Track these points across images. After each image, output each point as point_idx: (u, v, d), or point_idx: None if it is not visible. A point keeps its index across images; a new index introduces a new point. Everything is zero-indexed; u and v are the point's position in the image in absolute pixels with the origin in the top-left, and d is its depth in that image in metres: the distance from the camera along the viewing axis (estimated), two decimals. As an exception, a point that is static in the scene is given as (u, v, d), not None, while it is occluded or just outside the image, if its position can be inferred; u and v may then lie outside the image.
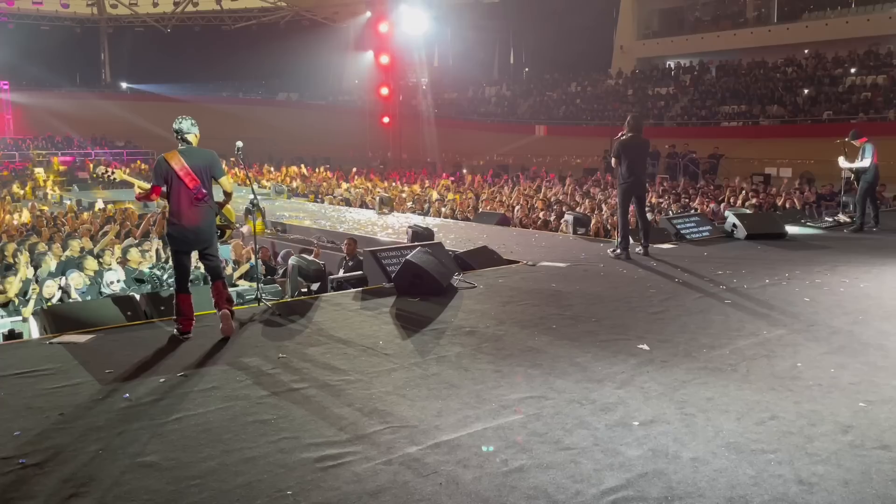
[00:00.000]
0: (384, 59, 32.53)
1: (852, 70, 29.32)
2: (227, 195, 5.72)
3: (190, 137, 5.43)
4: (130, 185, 5.88)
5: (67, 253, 9.49)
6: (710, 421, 3.85)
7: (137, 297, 6.47)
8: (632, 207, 8.67)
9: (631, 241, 8.81)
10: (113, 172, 5.80)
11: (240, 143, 6.09)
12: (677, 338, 5.37)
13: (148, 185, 5.60)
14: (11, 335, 5.86)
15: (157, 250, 9.80)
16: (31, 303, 7.61)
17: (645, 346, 5.14)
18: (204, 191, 5.38)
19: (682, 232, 10.19)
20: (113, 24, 43.50)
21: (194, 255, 5.94)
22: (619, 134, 8.47)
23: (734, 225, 10.17)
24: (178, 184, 5.32)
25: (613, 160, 8.51)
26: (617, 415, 3.94)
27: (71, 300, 7.86)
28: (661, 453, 3.47)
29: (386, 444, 3.61)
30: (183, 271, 5.53)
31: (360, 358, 5.04)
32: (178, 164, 5.30)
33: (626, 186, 8.36)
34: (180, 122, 5.45)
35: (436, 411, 4.03)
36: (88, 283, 8.33)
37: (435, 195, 17.30)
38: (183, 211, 5.37)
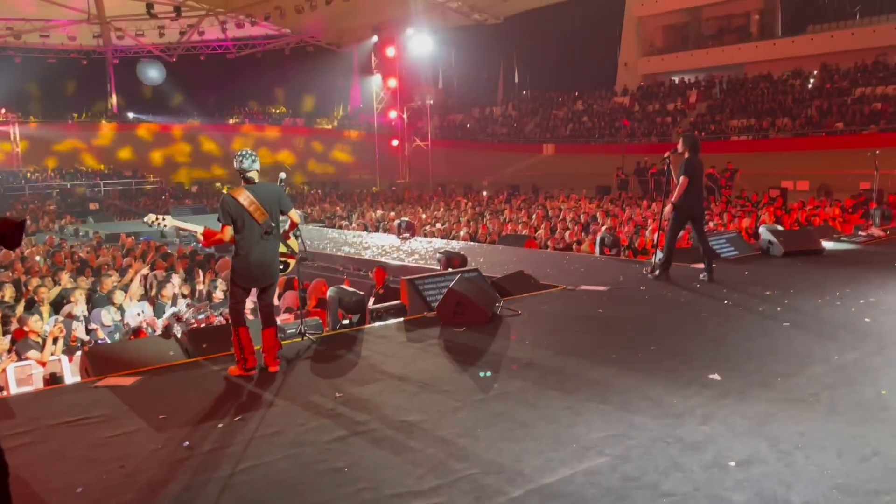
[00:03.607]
0: (392, 83, 32.56)
1: (860, 81, 29.29)
2: (294, 225, 5.68)
3: (252, 174, 5.31)
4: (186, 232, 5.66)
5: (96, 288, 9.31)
6: (810, 459, 3.64)
7: (178, 334, 6.29)
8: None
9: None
10: (164, 219, 5.63)
11: (283, 175, 5.97)
12: (746, 366, 5.17)
13: (200, 228, 5.48)
14: (53, 379, 5.67)
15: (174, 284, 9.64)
16: (60, 342, 7.43)
17: (716, 377, 4.93)
18: (273, 224, 5.33)
19: (717, 251, 9.99)
20: (119, 55, 43.71)
21: None
22: (669, 153, 8.26)
23: (770, 242, 9.98)
24: (249, 219, 5.25)
25: (684, 179, 7.94)
26: (709, 454, 3.73)
27: (100, 340, 7.70)
28: (769, 498, 3.26)
29: (473, 493, 3.41)
30: (241, 307, 5.39)
31: (419, 395, 4.85)
32: (247, 199, 5.21)
33: (686, 208, 8.05)
34: (242, 160, 5.32)
35: (515, 455, 3.83)
36: (118, 319, 8.18)
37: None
38: (253, 246, 5.29)
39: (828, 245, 10.41)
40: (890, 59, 29.78)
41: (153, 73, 38.41)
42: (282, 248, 5.63)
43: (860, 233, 11.53)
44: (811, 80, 31.37)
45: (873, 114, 26.81)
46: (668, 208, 8.21)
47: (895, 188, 16.65)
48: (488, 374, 5.23)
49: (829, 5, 33.91)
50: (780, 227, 11.35)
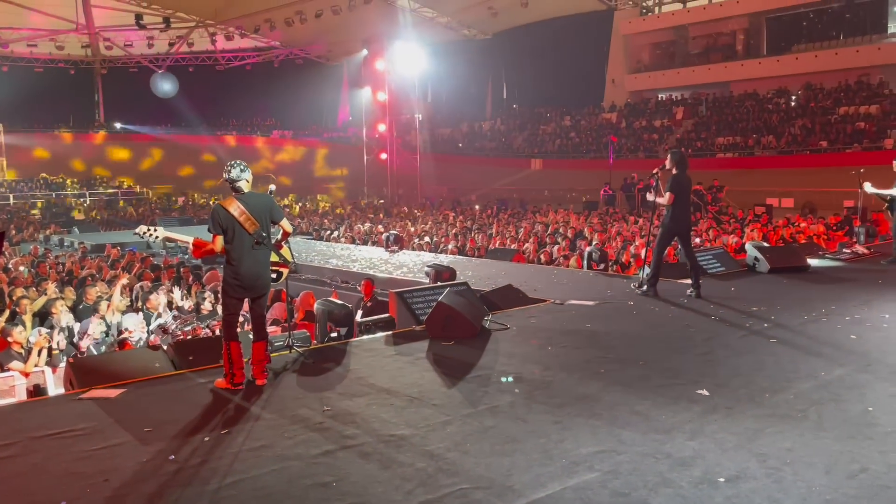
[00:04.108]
0: (381, 97, 32.65)
1: (844, 100, 29.69)
2: (286, 235, 5.67)
3: (242, 184, 5.28)
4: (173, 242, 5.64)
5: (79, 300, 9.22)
6: (798, 475, 3.65)
7: (164, 346, 6.23)
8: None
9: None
10: (155, 230, 5.59)
11: (272, 187, 5.95)
12: (734, 381, 5.19)
13: (191, 239, 5.45)
14: (37, 390, 5.60)
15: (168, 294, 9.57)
16: (45, 354, 7.34)
17: (704, 392, 4.95)
18: (264, 234, 5.31)
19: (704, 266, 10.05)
20: (107, 65, 43.60)
21: None
22: (657, 169, 8.31)
23: (756, 258, 10.05)
24: (239, 230, 5.22)
25: (670, 196, 8.02)
26: (698, 470, 3.74)
27: (84, 353, 7.61)
28: (759, 513, 3.26)
29: (462, 509, 3.39)
30: (234, 319, 5.35)
31: (408, 409, 4.82)
32: (237, 209, 5.18)
33: (673, 225, 8.11)
34: (231, 170, 5.29)
35: (505, 470, 3.81)
36: (105, 331, 8.10)
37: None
38: (243, 257, 5.26)
39: (813, 262, 10.49)
40: (873, 79, 30.23)
41: (167, 87, 38.49)
42: (274, 258, 5.60)
43: (845, 250, 11.63)
44: (793, 99, 31.77)
45: (856, 133, 27.16)
46: (650, 196, 8.25)
47: (879, 206, 16.85)
48: (510, 379, 5.28)
49: (813, 26, 34.43)
50: (766, 244, 11.44)
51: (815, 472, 3.69)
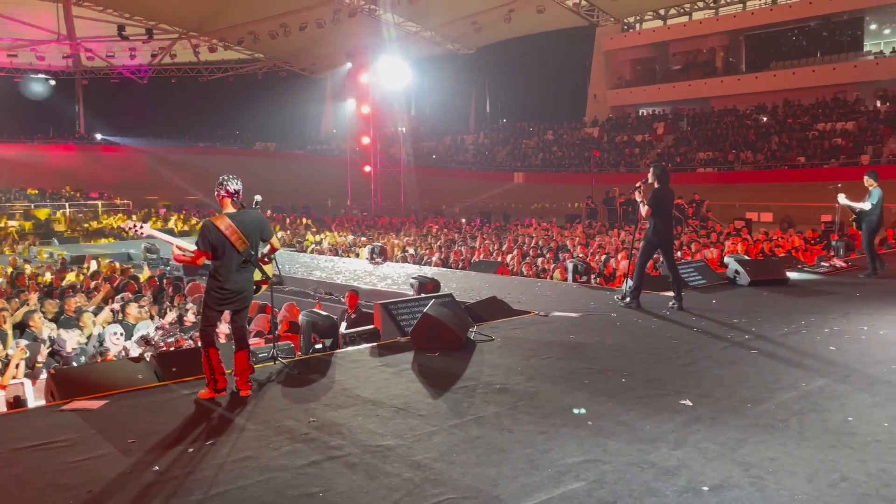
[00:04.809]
0: (365, 109, 32.73)
1: (821, 117, 30.20)
2: (273, 250, 5.64)
3: (237, 198, 5.31)
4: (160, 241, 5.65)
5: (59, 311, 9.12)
6: (781, 484, 3.69)
7: (147, 357, 6.19)
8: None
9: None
10: (141, 227, 5.59)
11: (258, 198, 5.94)
12: (716, 392, 5.24)
13: (187, 246, 5.44)
14: (17, 402, 5.53)
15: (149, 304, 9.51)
16: (23, 366, 7.25)
17: (688, 402, 4.99)
18: (253, 252, 5.31)
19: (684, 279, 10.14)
20: (88, 76, 43.32)
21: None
22: (639, 183, 8.41)
23: (736, 271, 10.17)
24: (230, 248, 5.22)
25: (647, 209, 8.14)
26: (682, 479, 3.77)
27: (67, 364, 7.52)
28: (742, 521, 3.30)
29: (449, 518, 3.39)
30: (213, 329, 5.34)
31: (394, 420, 4.82)
32: (228, 228, 5.18)
33: (656, 238, 8.21)
34: (237, 183, 5.31)
35: (491, 480, 3.82)
36: (85, 342, 8.02)
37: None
38: (231, 274, 5.26)
39: (792, 275, 10.62)
40: (849, 96, 30.79)
41: (37, 88, 39.08)
42: (256, 275, 5.57)
43: (823, 263, 11.79)
44: (765, 117, 32.26)
45: (834, 148, 27.61)
46: (638, 196, 8.36)
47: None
48: (583, 411, 4.86)
49: (791, 43, 35.07)
50: (746, 257, 11.57)
51: (797, 480, 3.73)
